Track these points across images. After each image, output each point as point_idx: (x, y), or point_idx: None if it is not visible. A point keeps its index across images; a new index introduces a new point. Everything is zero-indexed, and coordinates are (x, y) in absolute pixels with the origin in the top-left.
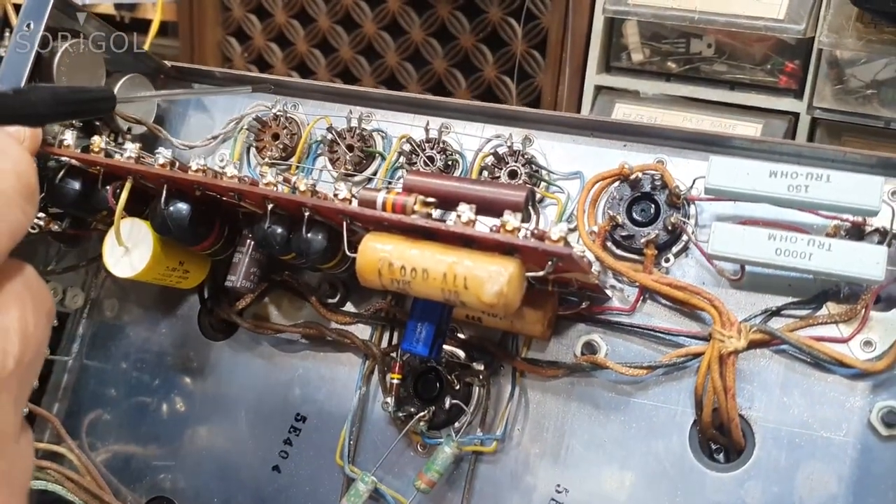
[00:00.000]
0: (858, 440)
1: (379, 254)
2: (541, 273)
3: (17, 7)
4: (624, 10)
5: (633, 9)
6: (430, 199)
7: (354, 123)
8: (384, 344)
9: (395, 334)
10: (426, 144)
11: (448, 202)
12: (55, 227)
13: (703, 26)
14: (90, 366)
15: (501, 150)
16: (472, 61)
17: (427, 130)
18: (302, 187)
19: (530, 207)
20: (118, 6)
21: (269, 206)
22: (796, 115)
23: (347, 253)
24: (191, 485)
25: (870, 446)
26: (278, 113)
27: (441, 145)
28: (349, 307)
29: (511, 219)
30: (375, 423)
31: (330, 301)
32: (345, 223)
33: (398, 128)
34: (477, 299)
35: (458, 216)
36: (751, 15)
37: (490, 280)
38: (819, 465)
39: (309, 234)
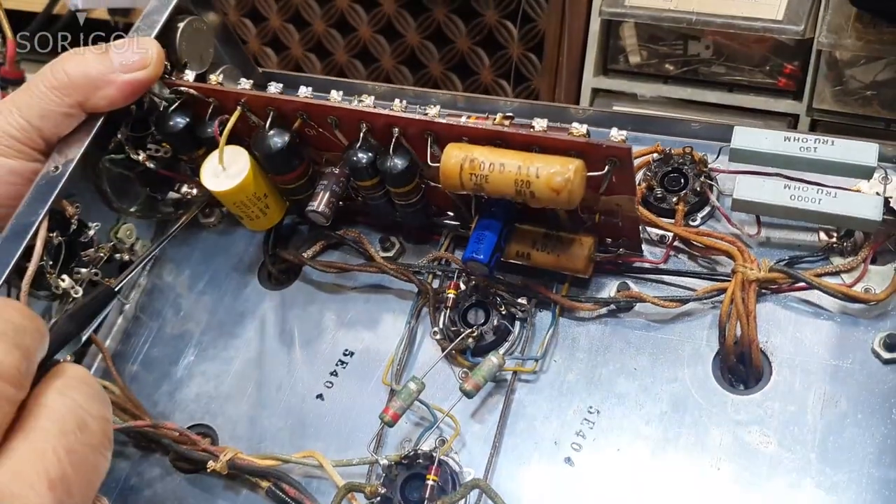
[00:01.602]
0: (863, 366)
1: (461, 153)
2: (600, 173)
3: (7, 12)
4: (621, 13)
5: (631, 11)
6: (509, 113)
7: None
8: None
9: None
10: None
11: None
12: (150, 165)
13: (701, 28)
14: (141, 318)
15: None
16: (469, 64)
17: None
18: (396, 108)
19: None
20: (112, 11)
21: (364, 129)
22: (796, 117)
23: (430, 163)
24: (230, 413)
25: (873, 370)
26: None
27: None
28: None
29: (578, 126)
30: (423, 353)
31: (386, 255)
32: (429, 139)
33: None
34: (547, 186)
35: (533, 126)
36: (749, 16)
37: (559, 169)
38: (829, 387)
39: (395, 155)
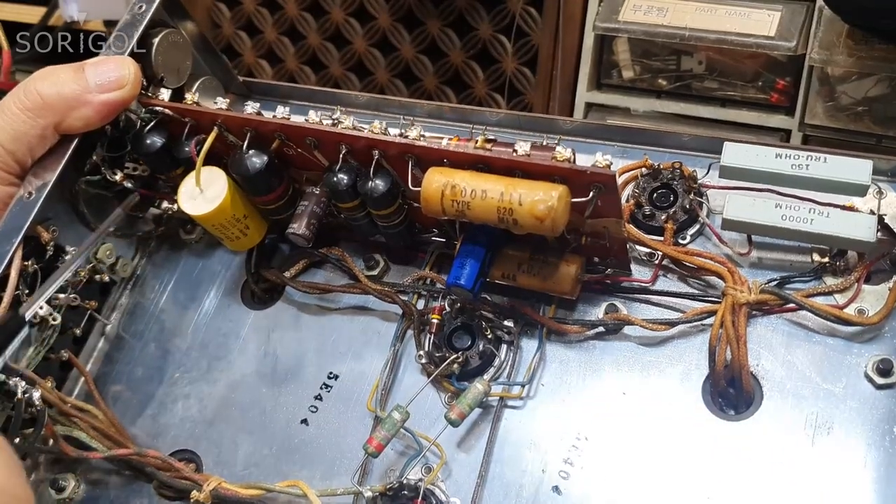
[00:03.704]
0: (856, 390)
1: (442, 178)
2: (585, 199)
3: (3, 24)
4: (614, 28)
5: (624, 26)
6: (491, 137)
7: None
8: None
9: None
10: None
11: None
12: (128, 185)
13: (694, 43)
14: (124, 338)
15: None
16: (463, 78)
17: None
18: (375, 130)
19: None
20: (108, 23)
21: (343, 151)
22: (788, 132)
23: (411, 188)
24: (214, 438)
25: (866, 395)
26: (335, 119)
27: None
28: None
29: (562, 150)
30: (408, 376)
31: (370, 273)
32: (410, 162)
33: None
34: (530, 214)
35: (515, 150)
36: (742, 32)
37: (542, 197)
38: (822, 412)
39: (376, 177)
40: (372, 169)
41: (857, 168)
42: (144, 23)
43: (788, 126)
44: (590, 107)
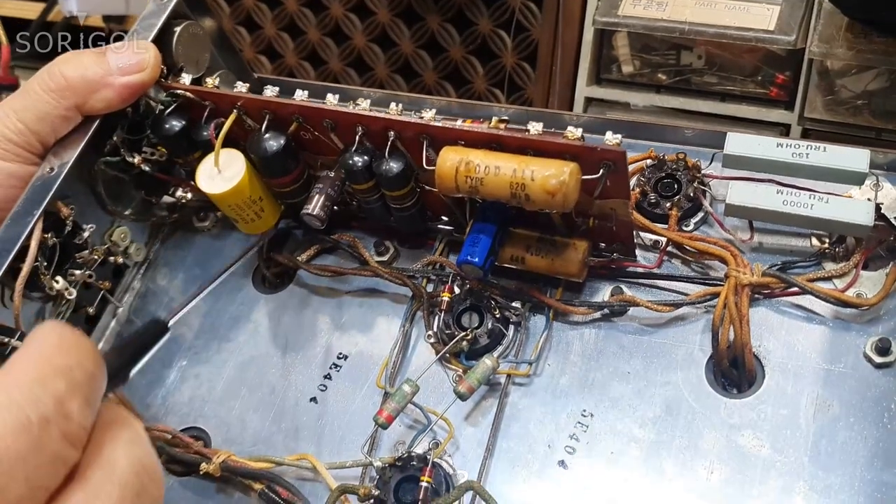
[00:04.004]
0: (856, 370)
1: (457, 157)
2: (594, 176)
3: (2, 20)
4: (614, 22)
5: (624, 20)
6: (504, 117)
7: None
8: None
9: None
10: None
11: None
12: (146, 168)
13: (694, 38)
14: (135, 322)
15: None
16: (462, 73)
17: None
18: (392, 113)
19: None
20: (107, 19)
21: (360, 133)
22: (787, 127)
23: (425, 166)
24: (223, 416)
25: (865, 375)
26: None
27: None
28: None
29: (574, 130)
30: (417, 356)
31: (380, 259)
32: (424, 143)
33: None
34: (542, 189)
35: (528, 130)
36: (741, 26)
37: (554, 172)
38: (822, 391)
39: (391, 158)
40: (387, 150)
41: (855, 156)
42: (167, 12)
43: (788, 120)
44: (589, 101)
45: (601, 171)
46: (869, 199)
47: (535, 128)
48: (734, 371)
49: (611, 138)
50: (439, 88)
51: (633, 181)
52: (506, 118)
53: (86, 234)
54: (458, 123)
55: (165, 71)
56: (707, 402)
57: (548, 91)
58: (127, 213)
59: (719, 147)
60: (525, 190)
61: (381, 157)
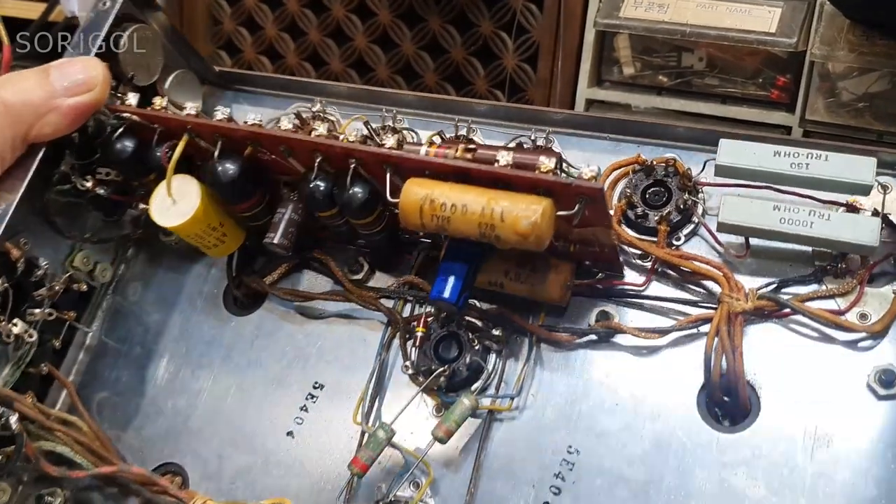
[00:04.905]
0: (857, 401)
1: (421, 191)
2: (570, 212)
3: (3, 20)
4: (615, 24)
5: (625, 22)
6: (471, 146)
7: (389, 122)
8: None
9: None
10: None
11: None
12: (100, 191)
13: (695, 40)
14: (108, 344)
15: (526, 146)
16: (464, 74)
17: (457, 128)
18: (351, 138)
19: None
20: None
21: (318, 160)
22: (788, 129)
23: (389, 199)
24: (201, 451)
25: (868, 407)
26: (317, 112)
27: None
28: (372, 284)
29: (546, 161)
30: (394, 386)
31: (354, 277)
32: (388, 172)
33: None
34: (512, 231)
35: (497, 161)
36: (742, 28)
37: (525, 212)
38: (821, 425)
39: (353, 187)
40: (349, 178)
41: (859, 166)
42: (110, 20)
43: (789, 123)
44: (590, 103)
45: (577, 206)
46: (876, 210)
47: (504, 158)
48: (727, 400)
49: (587, 171)
50: (440, 89)
51: (618, 189)
52: (473, 147)
53: (41, 271)
54: (423, 151)
55: (115, 82)
56: (699, 437)
57: (549, 93)
58: (87, 236)
59: (714, 145)
60: (495, 231)
61: (344, 183)
